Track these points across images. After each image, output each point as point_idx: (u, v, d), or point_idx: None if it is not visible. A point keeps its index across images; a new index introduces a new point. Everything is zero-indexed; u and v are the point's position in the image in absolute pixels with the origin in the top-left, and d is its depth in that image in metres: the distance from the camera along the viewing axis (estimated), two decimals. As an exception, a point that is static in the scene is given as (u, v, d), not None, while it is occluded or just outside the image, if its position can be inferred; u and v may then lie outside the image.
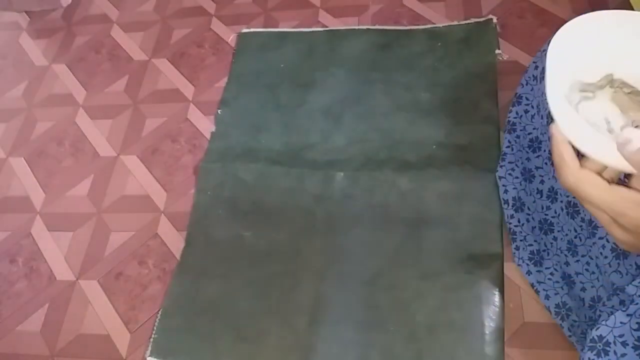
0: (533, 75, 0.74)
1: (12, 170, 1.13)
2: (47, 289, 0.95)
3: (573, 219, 0.67)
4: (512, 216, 0.82)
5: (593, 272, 0.65)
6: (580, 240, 0.68)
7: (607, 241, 0.60)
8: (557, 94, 0.46)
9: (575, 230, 0.68)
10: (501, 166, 0.85)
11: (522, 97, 0.78)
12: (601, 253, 0.61)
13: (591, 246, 0.63)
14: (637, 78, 0.49)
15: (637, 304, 0.46)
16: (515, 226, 0.81)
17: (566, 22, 0.50)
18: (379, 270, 0.84)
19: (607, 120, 0.47)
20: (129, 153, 1.09)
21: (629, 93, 0.49)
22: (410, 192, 0.90)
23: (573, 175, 0.40)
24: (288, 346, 0.80)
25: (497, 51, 1.03)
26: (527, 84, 0.76)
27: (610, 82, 0.50)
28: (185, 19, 1.29)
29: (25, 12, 1.42)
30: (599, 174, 0.40)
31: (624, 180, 0.44)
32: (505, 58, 1.03)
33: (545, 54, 0.66)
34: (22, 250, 1.01)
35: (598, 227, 0.62)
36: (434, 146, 0.93)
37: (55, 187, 1.08)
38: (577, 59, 0.49)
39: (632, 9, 0.98)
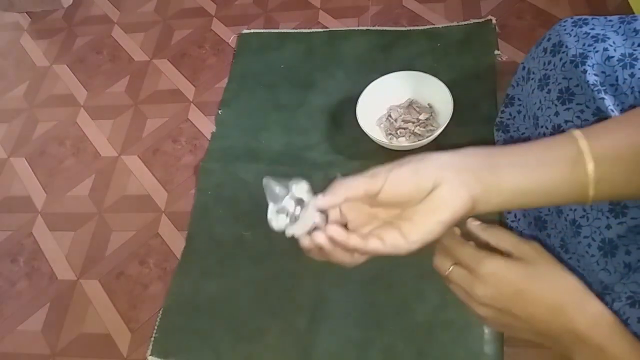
0: (522, 76, 0.74)
1: (14, 170, 1.13)
2: (48, 289, 0.96)
3: (559, 217, 0.68)
4: (508, 211, 0.82)
5: (584, 269, 0.65)
6: (568, 238, 0.68)
7: (593, 239, 0.61)
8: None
9: (565, 228, 0.69)
10: None
11: (514, 98, 0.78)
12: (587, 252, 0.62)
13: (577, 245, 0.63)
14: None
15: (621, 300, 0.46)
16: (512, 221, 0.82)
17: None
18: (378, 270, 0.84)
19: None
20: (130, 153, 1.10)
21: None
22: (409, 192, 0.90)
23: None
24: (288, 345, 0.80)
25: (496, 52, 1.03)
26: (517, 85, 0.76)
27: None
28: (186, 20, 1.29)
29: (27, 12, 1.43)
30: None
31: None
32: (504, 59, 1.03)
33: (531, 56, 0.68)
34: (24, 249, 1.01)
35: (582, 225, 0.62)
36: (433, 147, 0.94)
37: (57, 187, 1.09)
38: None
39: (631, 10, 0.98)
